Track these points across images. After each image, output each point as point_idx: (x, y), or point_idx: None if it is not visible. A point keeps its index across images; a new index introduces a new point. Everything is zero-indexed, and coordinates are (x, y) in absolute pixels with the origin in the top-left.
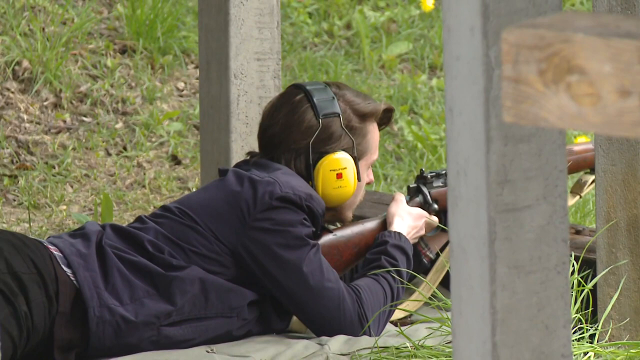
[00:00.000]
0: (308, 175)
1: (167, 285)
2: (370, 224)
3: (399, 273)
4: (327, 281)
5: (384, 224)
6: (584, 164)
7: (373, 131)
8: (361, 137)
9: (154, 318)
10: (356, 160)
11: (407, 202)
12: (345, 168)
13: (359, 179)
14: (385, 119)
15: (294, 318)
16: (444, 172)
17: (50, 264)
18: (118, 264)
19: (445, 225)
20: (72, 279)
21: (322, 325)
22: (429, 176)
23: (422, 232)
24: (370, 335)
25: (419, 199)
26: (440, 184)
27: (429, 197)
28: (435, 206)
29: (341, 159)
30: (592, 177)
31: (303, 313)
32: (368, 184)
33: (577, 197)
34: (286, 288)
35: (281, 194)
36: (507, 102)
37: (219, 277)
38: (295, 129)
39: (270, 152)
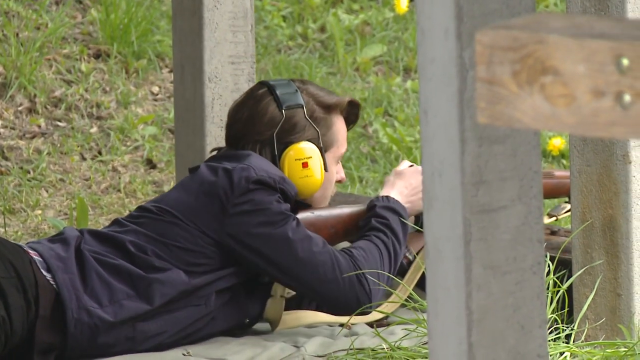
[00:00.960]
0: (274, 165)
1: (146, 286)
2: (348, 209)
3: (393, 232)
4: (316, 246)
5: (365, 212)
6: (562, 190)
7: (338, 123)
8: (326, 128)
9: (130, 318)
10: (322, 150)
11: None
12: (311, 157)
13: (325, 169)
14: (352, 115)
15: (268, 305)
16: None
17: (30, 268)
18: (97, 267)
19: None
20: (52, 283)
21: (322, 292)
22: None
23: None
24: (370, 299)
25: None
26: None
27: None
28: None
29: (306, 148)
30: (569, 206)
31: (301, 284)
32: (339, 181)
33: (554, 218)
34: (278, 264)
35: (256, 177)
36: (481, 103)
37: (194, 276)
38: (258, 121)
39: (236, 146)
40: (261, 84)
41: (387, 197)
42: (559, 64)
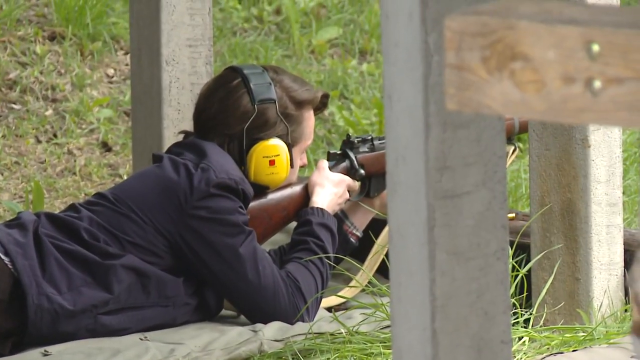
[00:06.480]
0: (241, 160)
1: (103, 273)
2: (298, 187)
3: (329, 258)
4: (263, 269)
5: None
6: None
7: (309, 118)
8: (296, 124)
9: (91, 306)
10: (290, 147)
11: (332, 168)
12: (279, 155)
13: (291, 165)
14: (320, 105)
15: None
16: (369, 137)
17: None
18: (55, 252)
19: (371, 191)
20: (10, 267)
21: (256, 313)
22: (355, 141)
23: (346, 196)
24: (303, 322)
25: (345, 164)
26: (367, 149)
27: (355, 162)
28: (362, 172)
29: (275, 145)
30: (512, 147)
31: (238, 300)
32: (302, 167)
33: None
34: (222, 276)
35: (217, 180)
36: (450, 89)
37: (154, 267)
38: (230, 114)
39: (204, 135)
40: (234, 71)
41: (321, 211)
42: (529, 49)
